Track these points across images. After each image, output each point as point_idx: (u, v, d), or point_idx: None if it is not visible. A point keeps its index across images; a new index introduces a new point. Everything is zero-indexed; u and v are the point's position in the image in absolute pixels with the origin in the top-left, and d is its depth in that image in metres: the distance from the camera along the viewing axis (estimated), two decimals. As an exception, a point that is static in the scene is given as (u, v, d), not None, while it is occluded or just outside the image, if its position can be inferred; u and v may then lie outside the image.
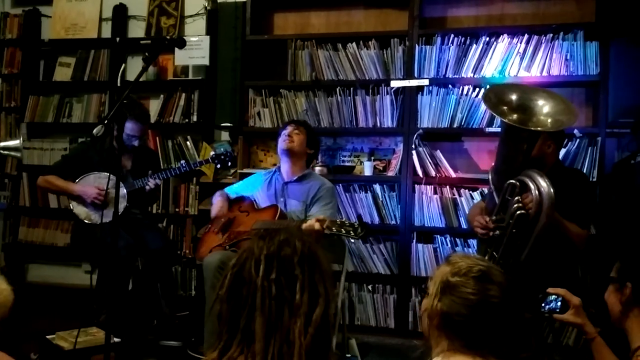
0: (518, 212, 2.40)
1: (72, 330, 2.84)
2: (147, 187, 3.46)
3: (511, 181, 2.47)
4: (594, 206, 2.93)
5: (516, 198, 2.42)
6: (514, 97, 2.68)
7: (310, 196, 3.21)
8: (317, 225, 2.72)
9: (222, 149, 3.48)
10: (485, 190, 3.26)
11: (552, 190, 2.35)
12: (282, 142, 3.29)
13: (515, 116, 2.61)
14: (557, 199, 2.38)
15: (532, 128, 2.55)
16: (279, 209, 3.13)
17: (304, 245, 1.23)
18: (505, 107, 2.65)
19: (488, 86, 3.26)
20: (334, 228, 2.73)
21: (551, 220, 2.39)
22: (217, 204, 3.34)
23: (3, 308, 1.81)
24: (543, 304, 1.83)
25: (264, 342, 1.13)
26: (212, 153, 3.48)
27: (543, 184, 2.36)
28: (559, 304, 1.80)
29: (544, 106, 2.63)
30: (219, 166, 3.60)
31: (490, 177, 2.71)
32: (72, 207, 3.46)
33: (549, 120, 2.58)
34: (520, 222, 2.40)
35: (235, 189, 3.46)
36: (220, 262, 2.92)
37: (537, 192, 2.36)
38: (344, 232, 2.71)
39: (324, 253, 1.24)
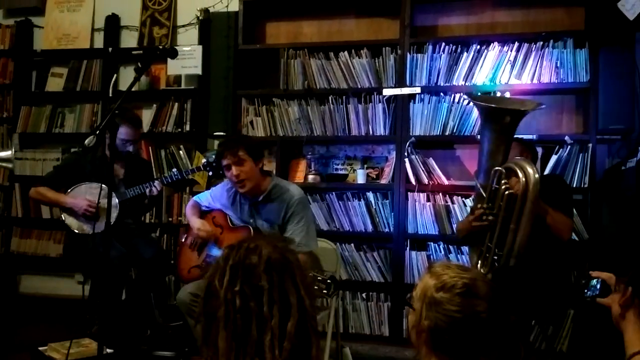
0: (506, 192, 2.54)
1: (65, 342, 2.81)
2: (155, 191, 3.44)
3: (497, 168, 2.61)
4: (572, 199, 3.10)
5: (503, 181, 2.57)
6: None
7: (281, 216, 2.98)
8: None
9: (213, 157, 3.46)
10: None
11: (537, 174, 2.49)
12: (234, 186, 3.02)
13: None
14: (540, 196, 2.53)
15: (510, 107, 2.77)
16: (251, 232, 3.00)
17: (274, 252, 1.16)
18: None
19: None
20: None
21: (537, 201, 2.51)
22: (197, 224, 3.14)
23: None
24: (586, 290, 1.82)
25: (226, 358, 1.07)
26: (203, 160, 3.46)
27: (529, 168, 2.50)
28: (598, 286, 1.78)
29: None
30: (210, 173, 3.58)
31: (475, 182, 2.79)
32: (63, 219, 3.44)
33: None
34: (510, 202, 2.53)
35: (204, 201, 3.30)
36: (192, 297, 2.90)
37: (522, 173, 2.50)
38: (317, 288, 2.46)
39: (305, 259, 1.19)
